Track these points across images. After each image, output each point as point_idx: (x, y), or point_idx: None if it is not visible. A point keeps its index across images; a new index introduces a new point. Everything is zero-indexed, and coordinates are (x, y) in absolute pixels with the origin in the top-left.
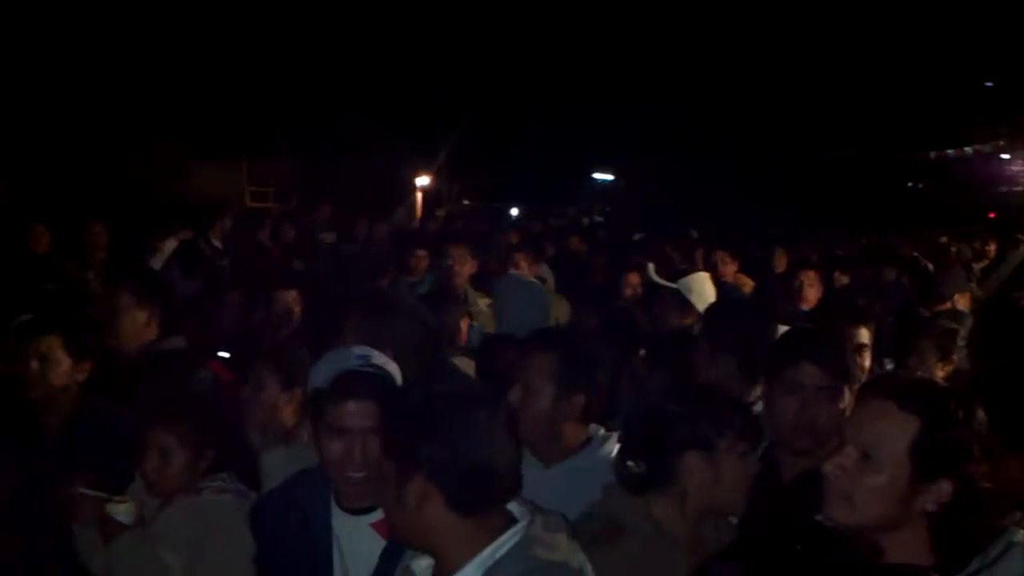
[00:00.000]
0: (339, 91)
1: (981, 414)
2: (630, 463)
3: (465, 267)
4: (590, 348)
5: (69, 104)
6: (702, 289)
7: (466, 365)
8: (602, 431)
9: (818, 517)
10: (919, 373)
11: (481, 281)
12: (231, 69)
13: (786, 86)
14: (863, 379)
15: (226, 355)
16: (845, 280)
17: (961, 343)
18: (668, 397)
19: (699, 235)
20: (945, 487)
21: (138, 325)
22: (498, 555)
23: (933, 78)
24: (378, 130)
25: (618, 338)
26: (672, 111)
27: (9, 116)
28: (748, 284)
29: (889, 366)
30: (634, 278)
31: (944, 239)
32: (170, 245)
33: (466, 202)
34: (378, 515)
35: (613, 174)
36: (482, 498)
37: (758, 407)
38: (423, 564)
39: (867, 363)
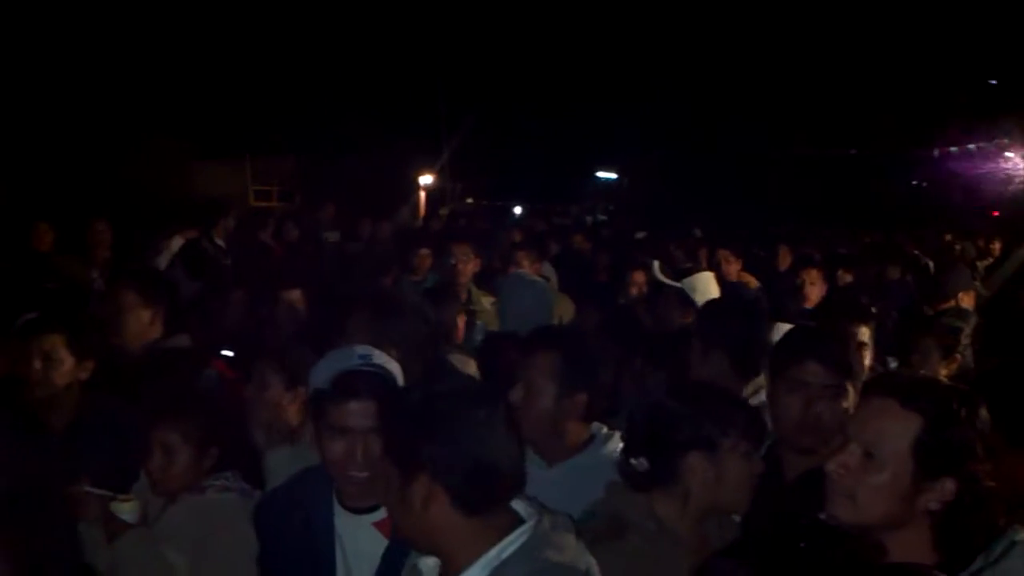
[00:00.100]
0: (343, 90)
1: (984, 412)
2: (633, 461)
3: (468, 265)
4: (592, 347)
5: (73, 103)
6: (706, 288)
7: (464, 362)
8: (605, 429)
9: (821, 516)
10: (922, 372)
11: (484, 279)
12: (235, 68)
13: (788, 84)
14: (863, 378)
15: (229, 354)
16: (849, 278)
17: (966, 341)
18: (672, 396)
19: (702, 234)
20: (948, 486)
21: (142, 324)
22: (504, 555)
23: (936, 76)
24: (382, 129)
25: (620, 336)
26: (675, 109)
27: (12, 115)
28: (752, 283)
29: (893, 365)
30: (639, 276)
31: (948, 237)
32: (176, 243)
33: (469, 201)
34: (380, 514)
35: (616, 173)
36: (487, 497)
37: (752, 403)
38: (430, 563)
39: (867, 361)
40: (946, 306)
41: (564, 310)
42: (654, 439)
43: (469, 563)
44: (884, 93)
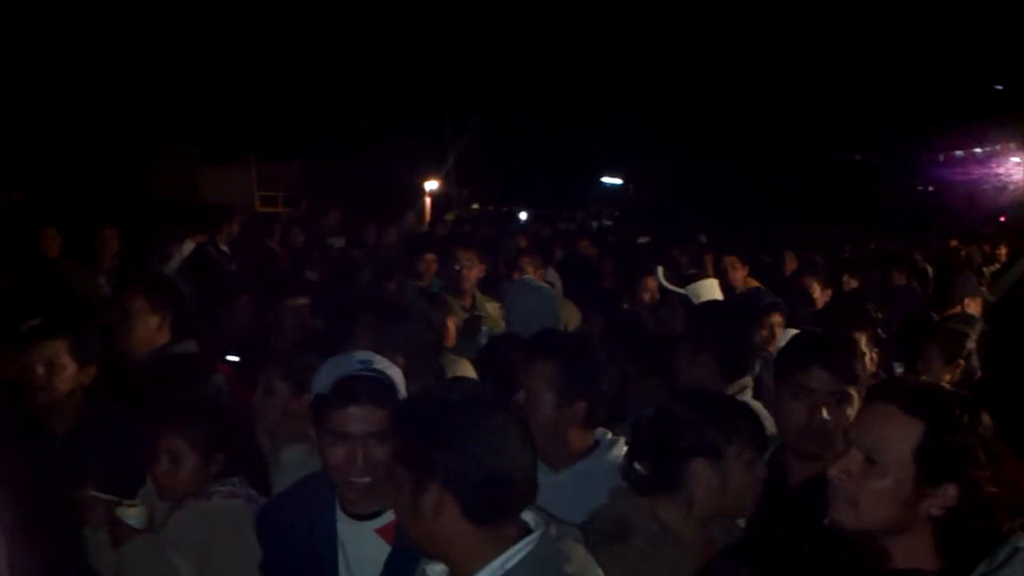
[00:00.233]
0: (348, 96)
1: (987, 418)
2: (637, 465)
3: (473, 271)
4: (593, 354)
5: (80, 108)
6: (710, 295)
7: (454, 363)
8: (609, 435)
9: (825, 521)
10: (924, 377)
11: (489, 285)
12: (241, 74)
13: (794, 89)
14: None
15: (235, 359)
16: (854, 284)
17: (971, 347)
18: (678, 402)
19: (708, 239)
20: (950, 491)
21: (150, 330)
22: (508, 566)
23: (941, 80)
24: (387, 134)
25: (625, 342)
26: (680, 115)
27: (19, 120)
28: None
29: (899, 370)
30: (652, 283)
31: (954, 242)
32: (188, 247)
33: (475, 206)
34: (383, 520)
35: (622, 178)
36: (498, 507)
37: None
38: (438, 569)
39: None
40: (952, 312)
41: (569, 316)
42: (659, 445)
43: (475, 572)
44: (889, 98)
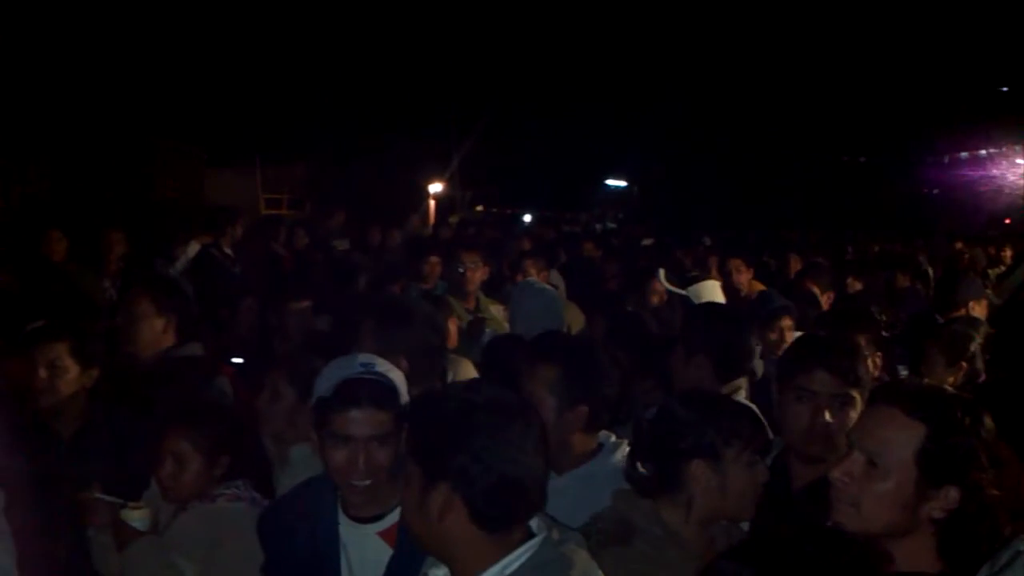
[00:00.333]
0: (353, 98)
1: (989, 421)
2: (639, 467)
3: (477, 273)
4: (594, 357)
5: (86, 111)
6: (711, 297)
7: (456, 362)
8: (613, 438)
9: (828, 524)
10: (927, 380)
11: (493, 287)
12: (246, 77)
13: (799, 91)
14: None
15: (239, 361)
16: (858, 286)
17: (974, 349)
18: (681, 403)
19: (712, 242)
20: (952, 494)
21: (156, 332)
22: (509, 571)
23: (947, 83)
24: (391, 137)
25: (627, 344)
26: (685, 117)
27: (24, 122)
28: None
29: (904, 373)
30: (660, 286)
31: (959, 245)
32: (193, 248)
33: (479, 209)
34: (385, 523)
35: (626, 180)
36: (506, 515)
37: None
38: (440, 573)
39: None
40: (957, 315)
41: (573, 318)
42: (659, 446)
43: (476, 575)
44: (894, 100)
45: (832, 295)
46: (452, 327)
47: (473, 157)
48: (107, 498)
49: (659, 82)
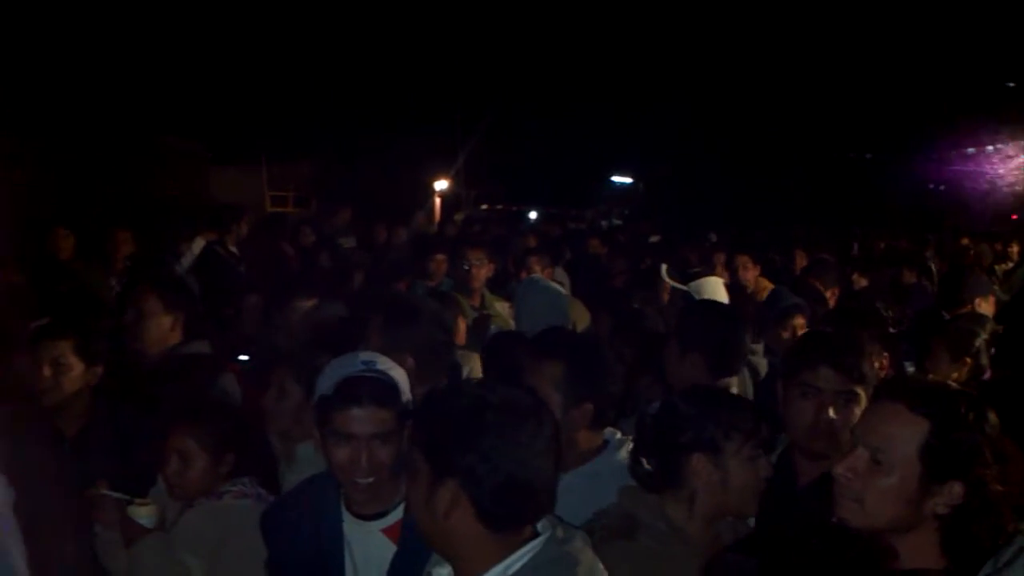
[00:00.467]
0: (358, 96)
1: (993, 417)
2: (644, 461)
3: (482, 270)
4: (598, 355)
5: (92, 108)
6: (713, 292)
7: (467, 358)
8: (618, 435)
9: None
10: (931, 375)
11: (498, 284)
12: (251, 75)
13: (805, 88)
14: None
15: (245, 358)
16: (864, 283)
17: (979, 345)
18: (680, 397)
19: (717, 238)
20: (956, 489)
21: (163, 329)
22: (512, 570)
23: (953, 78)
24: (397, 135)
25: (630, 340)
26: (690, 113)
27: (29, 120)
28: (769, 289)
29: (911, 370)
30: (666, 283)
31: (965, 240)
32: (198, 245)
33: (484, 206)
34: (389, 520)
35: (632, 177)
36: (514, 515)
37: None
38: (444, 573)
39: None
40: (963, 311)
41: (578, 316)
42: (660, 441)
43: (479, 575)
44: (900, 97)
45: (837, 291)
46: (461, 325)
47: (478, 154)
48: (114, 495)
49: (665, 79)
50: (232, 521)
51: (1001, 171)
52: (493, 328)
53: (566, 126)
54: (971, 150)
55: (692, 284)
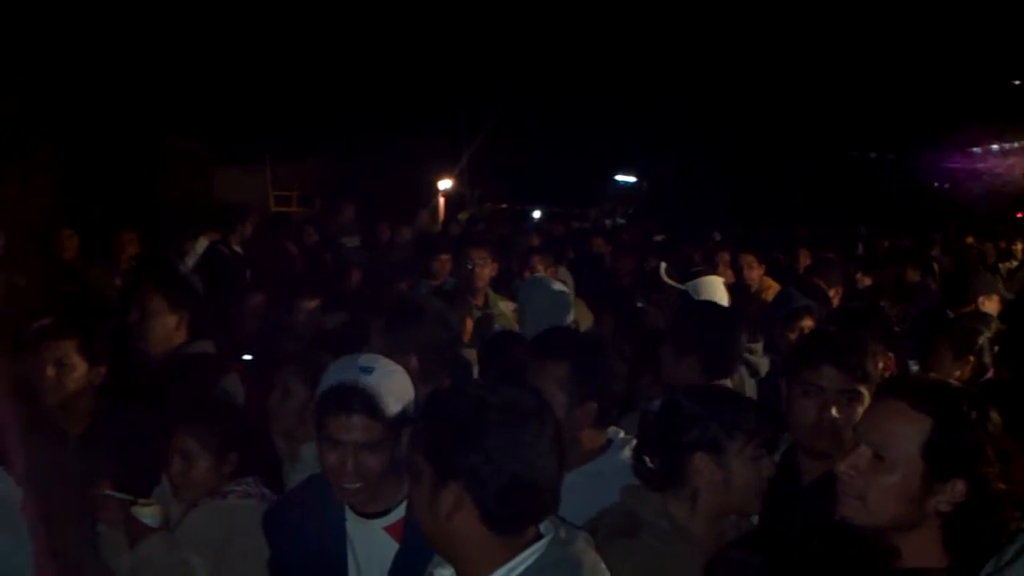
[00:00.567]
0: (362, 95)
1: (995, 415)
2: (646, 459)
3: (486, 269)
4: (602, 354)
5: (97, 108)
6: (712, 291)
7: (471, 355)
8: (621, 434)
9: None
10: (934, 373)
11: (502, 284)
12: (255, 74)
13: (809, 87)
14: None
15: (249, 357)
16: (867, 282)
17: (983, 343)
18: (683, 396)
19: (721, 237)
20: (958, 487)
21: (168, 329)
22: (515, 573)
23: (959, 77)
24: (401, 134)
25: (632, 339)
26: (694, 112)
27: (33, 120)
28: (773, 288)
29: (915, 368)
30: None
31: (970, 239)
32: (201, 244)
33: (487, 205)
34: (391, 519)
35: (635, 176)
36: (518, 517)
37: None
38: (446, 574)
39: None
40: (967, 309)
41: (581, 315)
42: (663, 439)
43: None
44: (903, 95)
45: (841, 290)
46: (468, 324)
47: (482, 153)
48: (118, 495)
49: (668, 78)
50: (236, 521)
51: (1005, 169)
52: (497, 327)
53: (570, 125)
54: (975, 148)
55: (690, 283)
